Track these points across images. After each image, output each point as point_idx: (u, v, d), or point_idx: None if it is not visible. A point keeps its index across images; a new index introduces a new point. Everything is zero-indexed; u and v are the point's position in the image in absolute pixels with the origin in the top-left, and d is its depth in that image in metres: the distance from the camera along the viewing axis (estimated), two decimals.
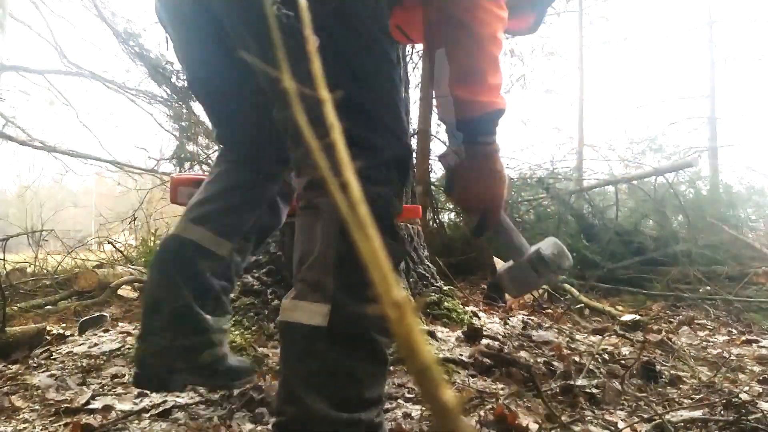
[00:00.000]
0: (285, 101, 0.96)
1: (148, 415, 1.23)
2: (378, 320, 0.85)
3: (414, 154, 3.07)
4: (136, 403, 1.30)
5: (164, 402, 1.31)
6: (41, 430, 1.16)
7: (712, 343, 2.19)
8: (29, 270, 4.05)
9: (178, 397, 1.34)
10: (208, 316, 1.15)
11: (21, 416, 1.23)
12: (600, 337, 2.12)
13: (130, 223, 5.52)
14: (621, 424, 1.22)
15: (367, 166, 0.86)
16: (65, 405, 1.27)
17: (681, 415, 1.28)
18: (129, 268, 3.69)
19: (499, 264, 3.08)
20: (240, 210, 1.18)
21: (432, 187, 5.10)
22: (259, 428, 1.17)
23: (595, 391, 1.40)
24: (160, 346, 1.11)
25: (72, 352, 1.77)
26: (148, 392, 1.37)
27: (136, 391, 1.39)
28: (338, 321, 0.82)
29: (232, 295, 1.77)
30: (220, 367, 1.20)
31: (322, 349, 0.82)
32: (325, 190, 0.90)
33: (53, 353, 1.76)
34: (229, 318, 1.24)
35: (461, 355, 1.65)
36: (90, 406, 1.27)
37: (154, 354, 1.11)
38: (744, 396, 1.44)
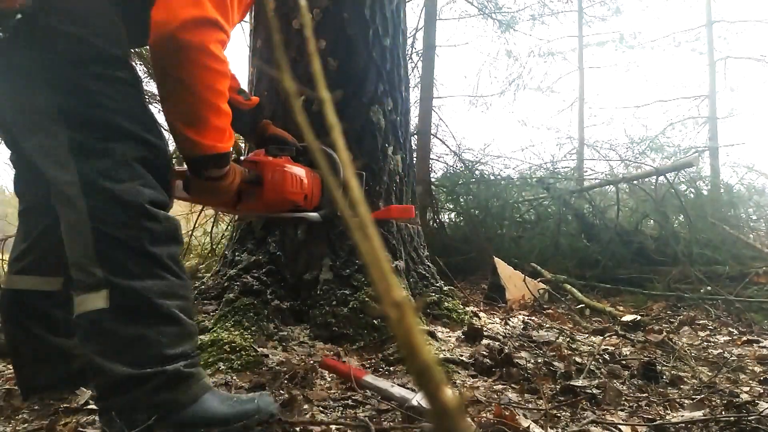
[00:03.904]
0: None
1: None
2: (158, 287, 1.01)
3: (414, 154, 3.06)
4: None
5: None
6: (40, 430, 1.16)
7: (712, 344, 2.19)
8: None
9: None
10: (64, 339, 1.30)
11: (20, 416, 1.22)
12: (601, 337, 2.11)
13: None
14: (622, 425, 1.21)
15: (107, 168, 1.01)
16: (64, 405, 1.27)
17: (682, 416, 1.28)
18: None
19: (500, 264, 3.09)
20: (59, 247, 1.14)
21: (432, 187, 5.10)
22: (257, 426, 1.17)
23: (595, 391, 1.40)
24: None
25: None
26: None
27: None
28: (117, 299, 0.97)
29: (231, 295, 1.78)
30: None
31: (110, 327, 0.97)
32: (80, 191, 0.94)
33: None
34: None
35: (461, 355, 1.65)
36: (89, 407, 1.27)
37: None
38: (745, 396, 1.44)
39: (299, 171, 1.42)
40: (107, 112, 1.04)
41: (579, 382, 1.46)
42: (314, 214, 1.54)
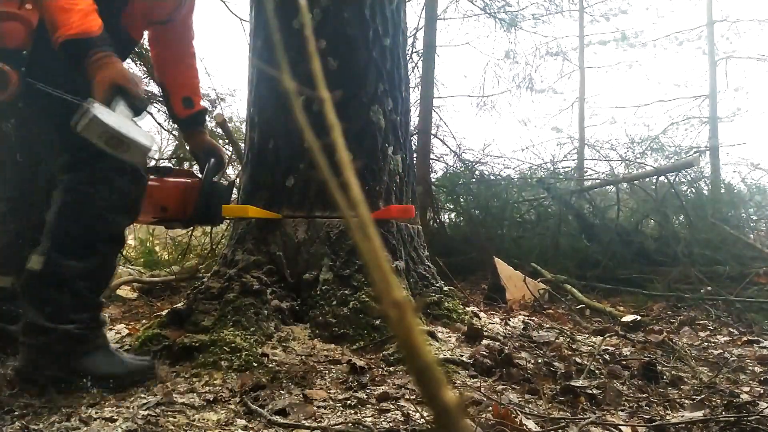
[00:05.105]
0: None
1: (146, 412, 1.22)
2: (82, 270, 1.38)
3: (414, 154, 3.07)
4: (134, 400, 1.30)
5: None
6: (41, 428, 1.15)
7: (713, 344, 2.19)
8: None
9: (180, 396, 1.34)
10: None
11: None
12: (601, 337, 2.11)
13: None
14: (622, 425, 1.21)
15: (85, 175, 1.41)
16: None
17: (682, 416, 1.28)
18: (128, 268, 3.69)
19: (500, 264, 3.09)
20: (10, 246, 1.60)
21: (432, 187, 5.10)
22: (252, 424, 1.17)
23: (596, 391, 1.40)
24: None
25: None
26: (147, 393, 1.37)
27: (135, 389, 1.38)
28: (47, 268, 1.36)
29: (231, 295, 1.78)
30: None
31: (36, 284, 1.37)
32: (63, 191, 1.46)
33: None
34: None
35: (461, 355, 1.65)
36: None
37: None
38: (745, 396, 1.44)
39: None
40: (88, 143, 1.35)
41: (579, 383, 1.46)
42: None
